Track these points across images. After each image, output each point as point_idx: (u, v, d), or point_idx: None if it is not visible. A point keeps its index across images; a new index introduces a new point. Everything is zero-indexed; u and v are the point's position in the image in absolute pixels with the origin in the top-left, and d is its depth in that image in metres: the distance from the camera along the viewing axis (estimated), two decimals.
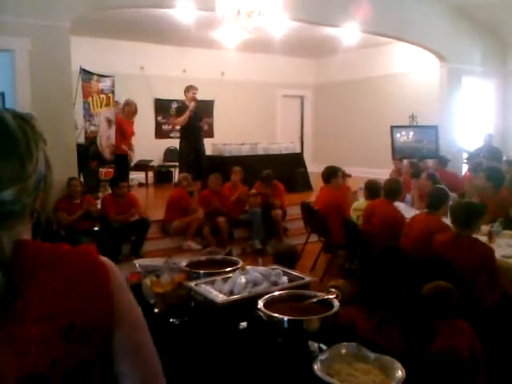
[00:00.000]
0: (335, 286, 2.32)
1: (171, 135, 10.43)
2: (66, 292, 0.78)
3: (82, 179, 6.40)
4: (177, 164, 8.36)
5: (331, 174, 5.86)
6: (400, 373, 1.57)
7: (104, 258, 0.87)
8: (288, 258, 2.99)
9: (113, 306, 0.82)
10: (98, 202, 6.23)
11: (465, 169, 8.98)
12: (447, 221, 3.91)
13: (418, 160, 8.31)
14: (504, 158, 8.04)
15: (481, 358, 2.55)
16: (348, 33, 8.56)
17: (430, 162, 8.30)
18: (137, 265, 2.58)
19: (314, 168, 11.26)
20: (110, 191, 6.42)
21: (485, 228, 4.04)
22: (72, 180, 5.71)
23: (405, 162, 7.60)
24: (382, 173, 7.62)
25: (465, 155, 9.35)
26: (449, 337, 2.53)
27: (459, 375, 2.36)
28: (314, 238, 6.12)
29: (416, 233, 4.05)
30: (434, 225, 3.93)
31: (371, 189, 5.31)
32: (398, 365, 1.61)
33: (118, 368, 0.82)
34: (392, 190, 4.82)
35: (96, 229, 5.76)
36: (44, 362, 0.73)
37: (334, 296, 1.88)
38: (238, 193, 6.80)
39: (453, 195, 5.70)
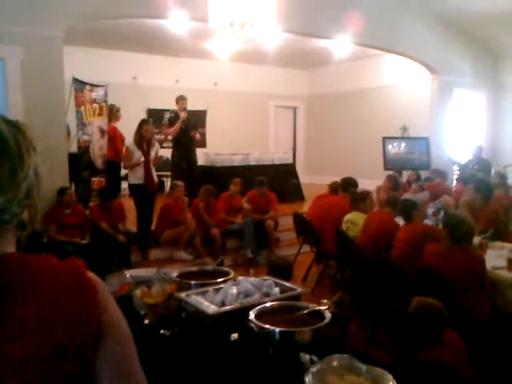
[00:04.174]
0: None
1: (164, 145, 10.40)
2: (51, 309, 0.76)
3: (73, 189, 6.36)
4: (169, 174, 8.35)
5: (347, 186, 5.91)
6: None
7: (91, 274, 0.85)
8: (283, 272, 2.97)
9: (100, 323, 0.81)
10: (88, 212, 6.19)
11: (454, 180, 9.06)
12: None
13: (412, 171, 8.40)
14: (493, 171, 8.10)
15: (468, 369, 2.54)
16: (340, 45, 8.64)
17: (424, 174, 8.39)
18: (127, 275, 2.56)
19: (307, 179, 11.32)
20: (97, 201, 6.37)
21: (476, 239, 4.07)
22: (67, 190, 5.71)
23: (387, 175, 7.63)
24: (374, 183, 7.65)
25: (455, 167, 9.43)
26: (435, 347, 2.52)
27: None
28: (305, 248, 6.12)
29: (401, 243, 4.16)
30: (419, 232, 4.08)
31: (355, 199, 5.38)
32: (390, 377, 1.60)
33: (99, 381, 0.81)
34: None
35: (84, 242, 5.70)
36: (29, 379, 0.72)
37: (326, 307, 1.87)
38: (247, 213, 6.81)
39: (422, 195, 5.79)
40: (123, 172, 8.38)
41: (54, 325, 0.75)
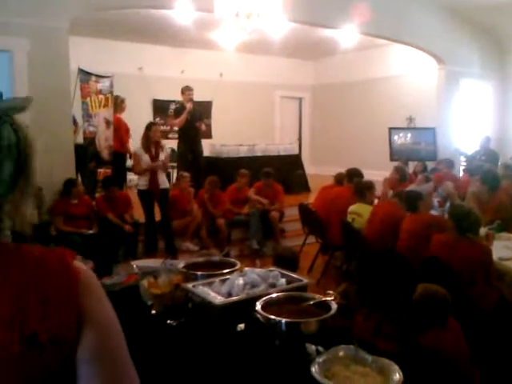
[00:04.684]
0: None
1: (169, 136, 10.42)
2: (31, 298, 0.76)
3: (79, 180, 6.38)
4: (175, 165, 8.37)
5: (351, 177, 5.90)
6: (398, 375, 1.57)
7: (78, 263, 0.84)
8: (289, 263, 2.98)
9: (81, 314, 0.79)
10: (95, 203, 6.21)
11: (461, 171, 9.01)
12: None
13: (418, 162, 8.37)
14: (500, 162, 8.05)
15: (466, 357, 2.55)
16: (346, 34, 8.57)
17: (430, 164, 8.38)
18: (134, 266, 2.57)
19: (312, 169, 11.30)
20: (103, 193, 6.39)
21: (482, 230, 4.06)
22: (75, 180, 5.77)
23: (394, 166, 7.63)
24: (381, 174, 7.63)
25: (462, 158, 9.38)
26: (436, 333, 2.53)
27: (445, 372, 2.36)
28: (311, 239, 6.12)
29: (407, 234, 4.16)
30: (424, 222, 4.09)
31: (361, 190, 5.35)
32: (396, 367, 1.61)
33: (80, 375, 0.78)
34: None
35: (91, 232, 5.72)
36: (6, 369, 0.72)
37: (332, 298, 1.88)
38: (254, 203, 6.78)
39: (427, 186, 5.78)
40: (129, 163, 8.42)
41: (30, 316, 0.75)
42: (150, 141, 5.96)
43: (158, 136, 6.08)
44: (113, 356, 0.82)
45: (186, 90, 7.62)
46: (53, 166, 5.48)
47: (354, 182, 5.68)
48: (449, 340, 2.51)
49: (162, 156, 6.02)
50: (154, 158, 5.95)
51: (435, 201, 5.66)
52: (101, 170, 7.21)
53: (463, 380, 2.44)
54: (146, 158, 5.91)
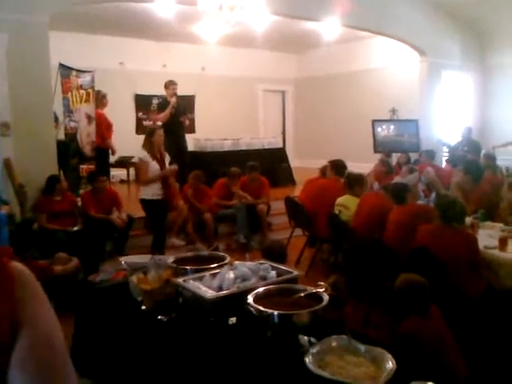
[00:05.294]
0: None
1: None
2: None
3: (62, 176, 6.29)
4: None
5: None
6: (391, 364, 1.58)
7: (15, 264, 0.80)
8: (278, 256, 2.98)
9: (17, 318, 0.76)
10: (79, 199, 6.13)
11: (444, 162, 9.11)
12: None
13: (401, 153, 8.45)
14: (483, 152, 8.15)
15: (450, 344, 2.58)
16: (329, 27, 8.57)
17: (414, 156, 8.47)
18: (123, 262, 2.55)
19: (296, 162, 11.31)
20: (89, 188, 6.30)
21: (467, 220, 4.11)
22: (58, 177, 5.67)
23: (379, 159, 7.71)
24: (365, 167, 7.67)
25: (444, 149, 9.47)
26: (415, 320, 2.57)
27: (426, 357, 2.38)
28: (297, 232, 6.14)
29: (394, 225, 4.19)
30: (411, 213, 4.15)
31: (351, 181, 5.36)
32: (389, 356, 1.62)
33: (12, 375, 0.74)
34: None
35: (76, 228, 5.64)
36: None
37: (323, 290, 1.88)
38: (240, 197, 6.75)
39: (412, 177, 5.85)
40: (112, 159, 8.35)
41: None
42: (155, 147, 5.41)
43: (162, 141, 5.55)
44: (49, 357, 0.77)
45: (170, 85, 7.56)
46: (35, 162, 5.40)
47: (342, 174, 5.70)
48: (428, 327, 2.54)
49: (167, 162, 5.54)
50: (163, 163, 5.41)
51: (420, 191, 5.71)
52: (83, 166, 7.11)
53: (447, 368, 2.46)
54: (154, 165, 5.32)
